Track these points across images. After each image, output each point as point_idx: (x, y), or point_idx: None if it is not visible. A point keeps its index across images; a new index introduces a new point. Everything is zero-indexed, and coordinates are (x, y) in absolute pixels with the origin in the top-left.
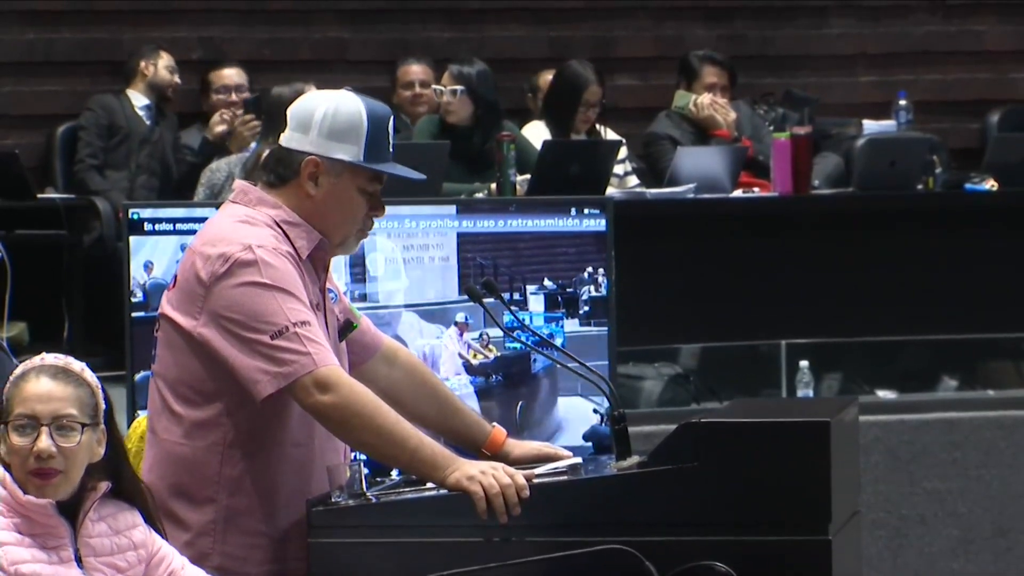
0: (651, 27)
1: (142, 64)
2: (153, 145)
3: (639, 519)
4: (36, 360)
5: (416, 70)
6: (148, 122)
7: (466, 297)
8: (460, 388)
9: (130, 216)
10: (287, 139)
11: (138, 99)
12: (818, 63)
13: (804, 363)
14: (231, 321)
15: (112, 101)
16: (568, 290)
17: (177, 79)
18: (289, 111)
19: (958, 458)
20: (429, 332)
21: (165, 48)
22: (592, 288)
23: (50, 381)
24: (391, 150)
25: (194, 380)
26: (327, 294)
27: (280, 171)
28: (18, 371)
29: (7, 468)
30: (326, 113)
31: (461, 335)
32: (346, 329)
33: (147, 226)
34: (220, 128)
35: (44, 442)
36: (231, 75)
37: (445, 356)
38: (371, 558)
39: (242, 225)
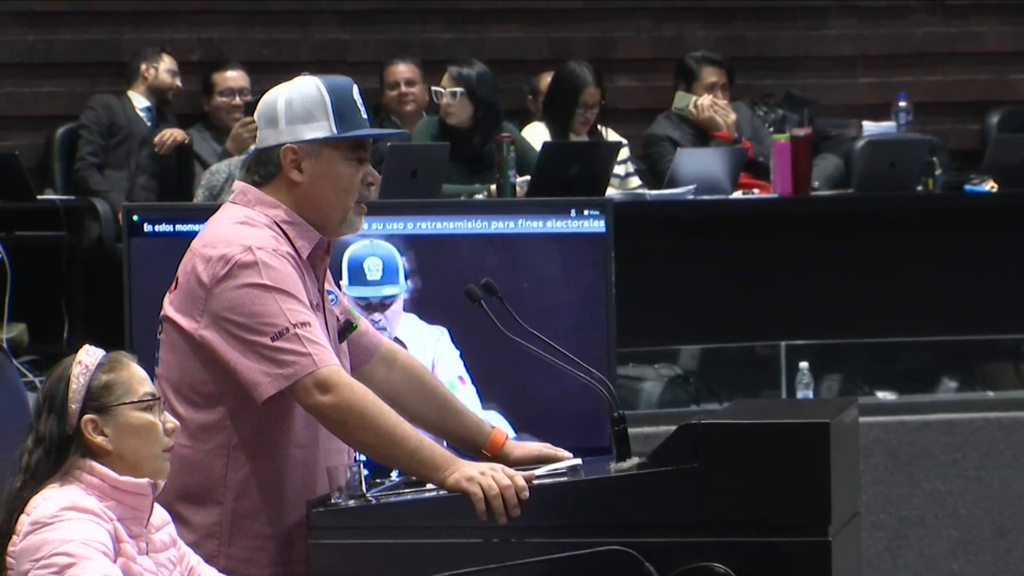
0: (651, 28)
1: (143, 67)
2: (153, 146)
3: (639, 520)
4: (96, 350)
5: (402, 69)
6: (149, 123)
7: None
8: (461, 391)
9: (132, 219)
10: (261, 139)
11: (139, 101)
12: (818, 64)
13: (804, 364)
14: (232, 323)
15: (113, 101)
16: None
17: (178, 82)
18: (256, 115)
19: (958, 459)
20: (429, 334)
21: (167, 50)
22: None
23: (137, 366)
24: (365, 116)
25: (197, 383)
26: (327, 295)
27: (262, 170)
28: (99, 361)
29: (97, 457)
30: (288, 101)
31: None
32: (346, 330)
33: (147, 228)
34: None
35: (171, 419)
36: (236, 77)
37: (446, 359)
38: (371, 559)
39: (242, 226)
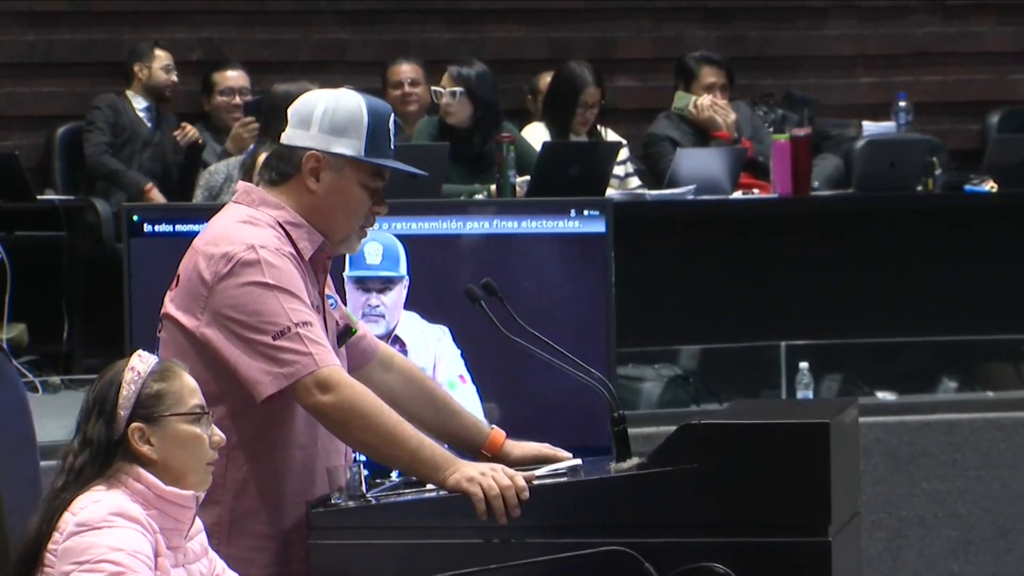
0: (651, 28)
1: (136, 67)
2: (155, 148)
3: (639, 520)
4: (149, 356)
5: (405, 69)
6: (149, 124)
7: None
8: (462, 390)
9: (132, 219)
10: (288, 136)
11: (138, 101)
12: (818, 64)
13: (804, 364)
14: (233, 321)
15: (117, 101)
16: None
17: (174, 77)
18: (290, 110)
19: (958, 459)
20: (431, 333)
21: (160, 45)
22: None
23: (189, 376)
24: (392, 147)
25: (197, 381)
26: (326, 299)
27: (282, 168)
28: (151, 368)
29: (144, 464)
30: (327, 109)
31: None
32: (345, 334)
33: (147, 228)
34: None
35: (218, 432)
36: (235, 77)
37: (447, 358)
38: (371, 559)
39: (245, 225)
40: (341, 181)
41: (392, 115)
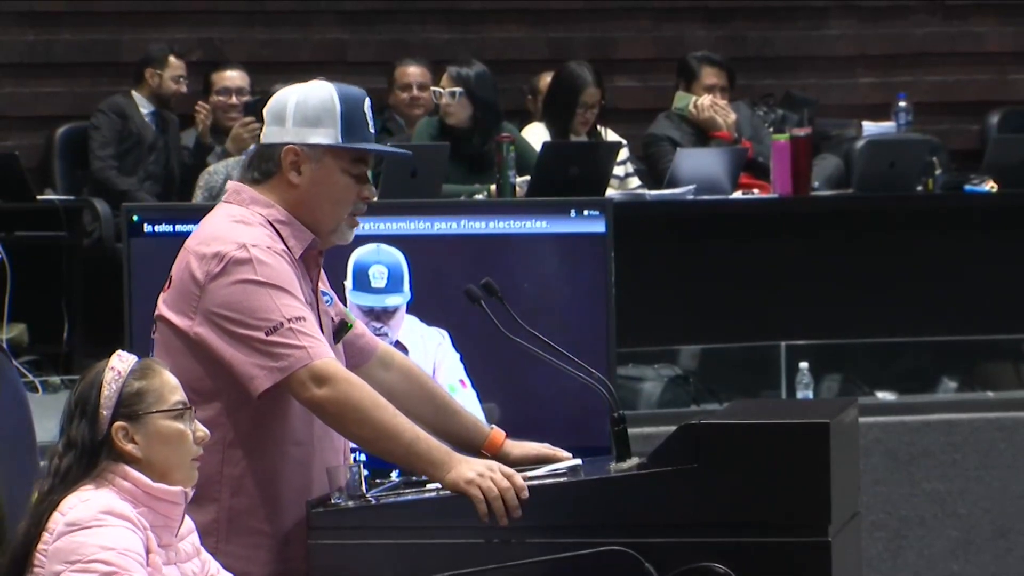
0: (651, 28)
1: (148, 72)
2: (160, 152)
3: (639, 520)
4: (129, 355)
5: (414, 72)
6: (154, 128)
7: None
8: (462, 395)
9: (132, 219)
10: (266, 135)
11: (144, 105)
12: (818, 64)
13: (804, 364)
14: (226, 319)
15: (124, 105)
16: None
17: (184, 88)
18: (264, 109)
19: (958, 459)
20: (430, 337)
21: (176, 51)
22: None
23: (170, 374)
24: (372, 130)
25: (192, 380)
26: (320, 295)
27: (263, 167)
28: (131, 367)
29: (129, 462)
30: (298, 102)
31: None
32: (341, 330)
33: (147, 228)
34: (202, 126)
35: (202, 428)
36: (233, 77)
37: (447, 363)
38: (371, 559)
39: (237, 224)
40: (322, 171)
41: (367, 99)
